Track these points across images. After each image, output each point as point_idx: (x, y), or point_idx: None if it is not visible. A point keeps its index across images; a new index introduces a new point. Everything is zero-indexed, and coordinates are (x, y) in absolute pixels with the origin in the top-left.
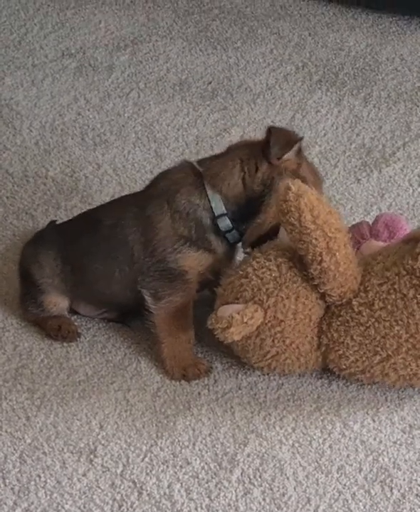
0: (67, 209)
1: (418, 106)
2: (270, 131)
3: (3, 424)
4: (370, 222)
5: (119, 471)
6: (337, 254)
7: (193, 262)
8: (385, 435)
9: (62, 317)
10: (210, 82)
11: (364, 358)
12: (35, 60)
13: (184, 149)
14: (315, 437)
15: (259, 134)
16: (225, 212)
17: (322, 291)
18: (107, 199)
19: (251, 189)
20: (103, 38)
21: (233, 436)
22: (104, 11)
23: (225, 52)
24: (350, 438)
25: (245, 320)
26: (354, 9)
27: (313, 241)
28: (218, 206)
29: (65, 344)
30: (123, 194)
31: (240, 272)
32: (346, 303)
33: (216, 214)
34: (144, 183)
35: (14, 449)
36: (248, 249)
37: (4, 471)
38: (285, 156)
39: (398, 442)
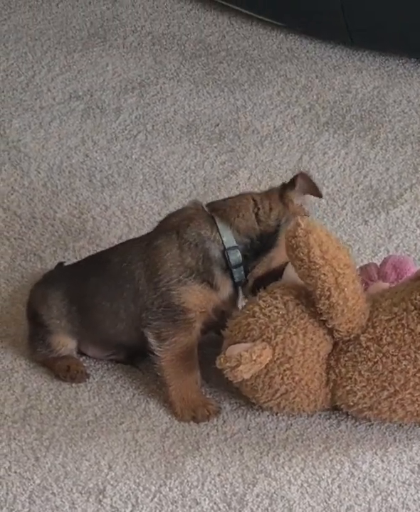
0: (76, 250)
1: None
2: (301, 173)
3: (12, 465)
4: (378, 264)
5: None
6: (346, 289)
7: (196, 297)
8: (394, 475)
9: (70, 358)
10: (217, 124)
11: (371, 394)
12: (43, 103)
13: (192, 191)
14: (323, 477)
15: (267, 176)
16: (236, 245)
17: (330, 326)
18: (115, 240)
19: (265, 224)
20: (110, 81)
21: (242, 477)
22: (111, 54)
23: (232, 94)
24: (359, 478)
25: (254, 358)
26: (361, 52)
27: (322, 276)
28: (229, 239)
29: (73, 385)
30: (131, 236)
31: (247, 312)
32: (354, 338)
33: (226, 246)
34: (152, 225)
35: (23, 490)
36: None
37: None
38: (298, 202)
39: (407, 482)
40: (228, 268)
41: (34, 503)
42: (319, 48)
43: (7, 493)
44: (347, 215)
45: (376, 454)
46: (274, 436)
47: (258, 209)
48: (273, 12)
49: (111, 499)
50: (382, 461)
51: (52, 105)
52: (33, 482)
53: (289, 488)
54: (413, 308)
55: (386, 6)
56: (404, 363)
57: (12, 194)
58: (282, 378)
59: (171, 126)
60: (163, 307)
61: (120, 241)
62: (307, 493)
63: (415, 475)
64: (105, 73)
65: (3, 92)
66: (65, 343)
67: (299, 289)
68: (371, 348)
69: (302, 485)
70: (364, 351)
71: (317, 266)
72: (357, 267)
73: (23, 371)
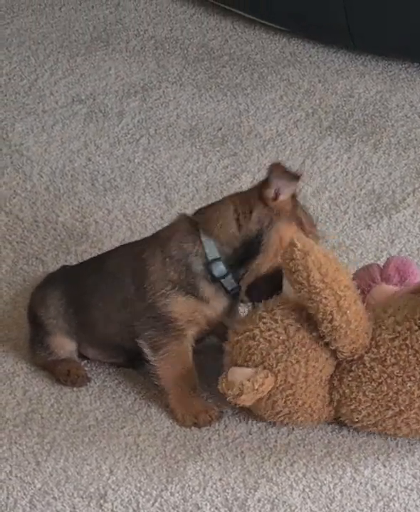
0: (78, 254)
1: None
2: (271, 168)
3: (13, 469)
4: (381, 265)
5: None
6: (348, 312)
7: (182, 307)
8: (396, 480)
9: (71, 362)
10: (220, 129)
11: (376, 413)
12: (46, 106)
13: (194, 195)
14: (325, 482)
15: None
16: (218, 256)
17: (333, 348)
18: (118, 244)
19: (246, 229)
20: (113, 85)
21: (243, 481)
22: (114, 58)
23: (235, 98)
24: (361, 483)
25: (256, 387)
26: (364, 56)
27: (323, 300)
28: (212, 251)
29: (75, 389)
30: (133, 239)
31: (247, 333)
32: (357, 358)
33: (209, 259)
34: (154, 229)
35: (24, 494)
36: (248, 303)
37: None
38: (282, 197)
39: (409, 487)
40: (216, 280)
41: (35, 508)
42: (322, 52)
43: (8, 498)
44: (349, 219)
45: (379, 459)
46: (276, 441)
47: (238, 214)
48: (275, 16)
49: (112, 504)
50: (384, 466)
51: (54, 109)
52: (34, 486)
53: (291, 493)
54: (417, 328)
55: (389, 11)
56: (409, 384)
57: (14, 198)
58: (284, 402)
59: (173, 130)
60: (152, 317)
61: None
62: (308, 498)
63: (417, 480)
64: (108, 77)
65: (5, 95)
66: (64, 345)
67: (300, 311)
68: (376, 369)
69: (303, 490)
70: (368, 372)
71: (318, 290)
72: (359, 267)
73: (24, 375)
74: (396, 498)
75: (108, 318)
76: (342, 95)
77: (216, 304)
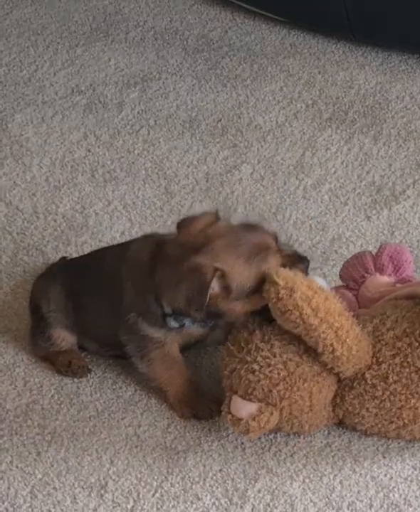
0: (78, 245)
1: None
2: (180, 288)
3: (14, 459)
4: (373, 253)
5: (129, 507)
6: (347, 340)
7: (153, 333)
8: (396, 471)
9: (72, 352)
10: (220, 120)
11: (379, 426)
12: (45, 97)
13: (194, 186)
14: (325, 473)
15: (269, 172)
16: (170, 313)
17: (335, 372)
18: (118, 235)
19: (196, 314)
20: (113, 76)
21: (243, 472)
22: (114, 49)
23: (235, 89)
24: (361, 474)
25: (262, 425)
26: (364, 47)
27: (321, 335)
28: (166, 306)
29: (75, 380)
30: (133, 231)
31: (246, 366)
32: (359, 375)
33: (164, 311)
34: (154, 220)
35: (25, 484)
36: None
37: (15, 506)
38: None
39: (409, 478)
40: None
41: (36, 498)
42: (322, 43)
43: (9, 488)
44: (349, 211)
45: (378, 450)
46: (276, 432)
47: (184, 295)
48: (275, 7)
49: (112, 494)
50: (384, 457)
51: (54, 100)
52: (35, 477)
53: (291, 483)
54: (417, 344)
55: (389, 2)
56: (413, 400)
57: (14, 189)
58: (291, 428)
59: (173, 121)
60: (130, 331)
61: (123, 236)
62: (308, 489)
63: (417, 471)
64: (108, 68)
65: (5, 86)
66: (65, 337)
67: (298, 343)
68: (378, 387)
69: (303, 481)
70: (371, 389)
71: (313, 326)
72: (352, 256)
73: (25, 366)
74: (395, 489)
75: (101, 322)
76: (342, 86)
77: (192, 330)
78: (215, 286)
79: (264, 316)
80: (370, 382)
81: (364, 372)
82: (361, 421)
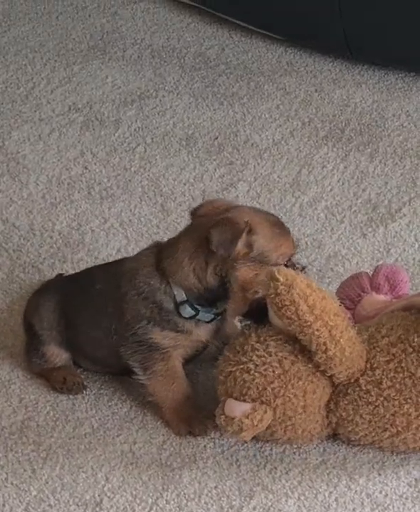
0: (74, 262)
1: None
2: (210, 232)
3: (9, 476)
4: (370, 273)
5: None
6: (341, 340)
7: (162, 338)
8: (391, 489)
9: (67, 369)
10: (216, 137)
11: (373, 434)
12: (42, 114)
13: (190, 204)
14: (320, 490)
15: (265, 190)
16: (185, 299)
17: (329, 375)
18: (114, 252)
19: (205, 282)
20: (110, 93)
21: (239, 489)
22: (111, 66)
23: (231, 107)
24: (356, 491)
25: (255, 423)
26: (361, 66)
27: (315, 332)
28: (179, 293)
29: (71, 396)
30: (129, 248)
31: (241, 366)
32: (353, 381)
33: (177, 301)
34: (150, 237)
35: (20, 501)
36: (240, 321)
37: None
38: (241, 246)
39: (404, 496)
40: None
41: None
42: (319, 61)
43: (4, 505)
44: (345, 228)
45: (373, 468)
46: (271, 450)
47: (194, 267)
48: (272, 26)
49: (108, 511)
50: (379, 474)
51: (51, 117)
52: (30, 494)
53: (286, 501)
54: (411, 350)
55: (386, 20)
56: (406, 406)
57: (11, 206)
58: (284, 432)
59: (170, 138)
60: (136, 342)
61: (119, 253)
62: (304, 506)
63: (412, 489)
64: (105, 86)
65: (2, 103)
66: (59, 354)
67: (293, 342)
68: (372, 392)
69: (299, 498)
70: (365, 395)
71: (309, 323)
72: (349, 276)
73: (20, 383)
74: (391, 507)
75: (97, 342)
76: (339, 104)
77: (200, 332)
78: (243, 239)
79: (260, 320)
80: (364, 388)
81: (358, 378)
82: (354, 429)
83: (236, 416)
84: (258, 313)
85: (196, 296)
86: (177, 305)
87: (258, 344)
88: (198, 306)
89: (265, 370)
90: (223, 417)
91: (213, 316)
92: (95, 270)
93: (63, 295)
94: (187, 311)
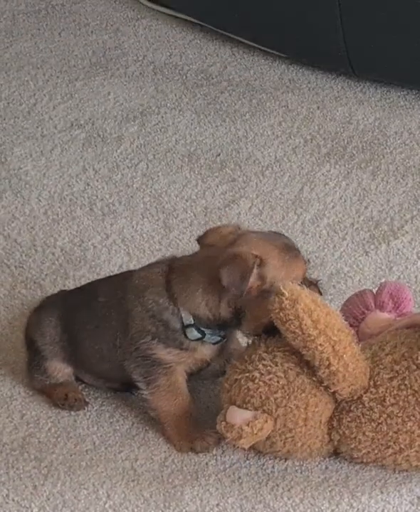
0: (76, 279)
1: None
2: (220, 271)
3: (10, 493)
4: (374, 291)
5: None
6: (345, 356)
7: (166, 355)
8: (393, 507)
9: (69, 386)
10: (219, 154)
11: (376, 451)
12: (44, 131)
13: (193, 220)
14: (322, 508)
15: (267, 207)
16: (192, 323)
17: (332, 391)
18: (116, 269)
19: (218, 314)
20: (112, 110)
21: (240, 507)
22: (113, 83)
23: (233, 124)
24: (358, 509)
25: (255, 431)
26: (363, 83)
27: (319, 347)
28: (187, 317)
29: (72, 413)
30: (131, 264)
31: (247, 375)
32: (356, 398)
33: (184, 323)
34: (152, 254)
35: None
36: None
37: None
38: (254, 279)
39: None
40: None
41: None
42: (321, 78)
43: None
44: (347, 246)
45: (376, 485)
46: (273, 467)
47: (207, 300)
48: (274, 43)
49: None
50: (381, 492)
51: (53, 133)
52: (31, 510)
53: None
54: (415, 367)
55: (388, 38)
56: (409, 424)
57: (13, 222)
58: (283, 444)
59: (172, 155)
60: (140, 357)
61: (121, 269)
62: None
63: (414, 507)
64: (107, 102)
65: (4, 119)
66: (61, 369)
67: (300, 355)
68: (375, 409)
69: None
70: (368, 412)
71: (312, 338)
72: (353, 294)
73: (22, 399)
74: None
75: (100, 355)
76: (341, 122)
77: (205, 351)
78: (254, 273)
79: (271, 334)
80: (367, 405)
81: (362, 395)
82: (357, 446)
83: (237, 423)
84: (270, 330)
85: (206, 323)
86: (184, 326)
87: (265, 354)
88: (205, 329)
89: (270, 379)
90: (224, 423)
91: (219, 338)
92: (98, 283)
93: (64, 309)
94: (194, 334)
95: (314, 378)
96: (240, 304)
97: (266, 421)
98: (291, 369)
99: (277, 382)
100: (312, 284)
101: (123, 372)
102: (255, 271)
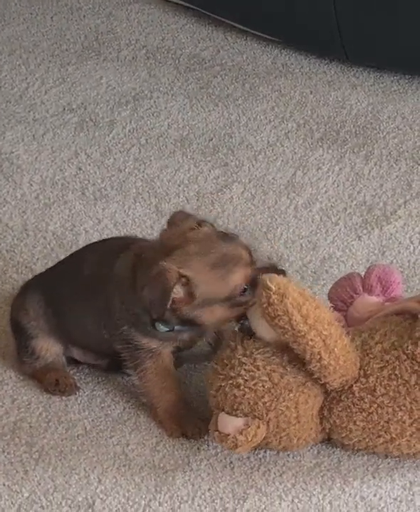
0: None
1: (419, 164)
2: (144, 290)
3: (0, 478)
4: (362, 274)
5: None
6: (335, 349)
7: (148, 343)
8: (385, 491)
9: (60, 371)
10: (211, 139)
11: (367, 440)
12: (37, 115)
13: (185, 205)
14: (314, 493)
15: (260, 191)
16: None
17: (322, 382)
18: None
19: (171, 322)
20: (104, 94)
21: (232, 492)
22: (105, 67)
23: (226, 108)
24: (350, 494)
25: (249, 439)
26: (356, 68)
27: (309, 342)
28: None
29: (63, 398)
30: None
31: (230, 382)
32: (347, 388)
33: (153, 317)
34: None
35: (12, 503)
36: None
37: None
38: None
39: (398, 499)
40: None
41: None
42: (314, 63)
43: None
44: (340, 230)
45: (368, 470)
46: (265, 452)
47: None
48: (268, 27)
49: None
50: (373, 477)
51: (45, 118)
52: (22, 495)
53: (279, 503)
54: (405, 357)
55: (382, 23)
56: (400, 413)
57: (4, 206)
58: (279, 442)
59: (164, 140)
60: (124, 340)
61: None
62: (297, 509)
63: (406, 491)
64: (99, 86)
65: None
66: (48, 347)
67: (281, 354)
68: (365, 399)
69: (292, 501)
70: (358, 402)
71: (302, 333)
72: (340, 277)
73: (12, 383)
74: (385, 510)
75: (85, 329)
76: (334, 107)
77: (183, 337)
78: (179, 292)
79: (244, 331)
80: (358, 395)
81: (352, 385)
82: (348, 435)
83: (230, 432)
84: (245, 329)
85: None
86: (153, 321)
87: (245, 358)
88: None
89: (255, 384)
90: (217, 433)
91: (188, 329)
92: (83, 254)
93: (48, 283)
94: (161, 328)
95: (299, 376)
96: (183, 315)
97: (258, 427)
98: (274, 371)
99: (263, 386)
100: (270, 270)
101: (108, 348)
102: (179, 289)
